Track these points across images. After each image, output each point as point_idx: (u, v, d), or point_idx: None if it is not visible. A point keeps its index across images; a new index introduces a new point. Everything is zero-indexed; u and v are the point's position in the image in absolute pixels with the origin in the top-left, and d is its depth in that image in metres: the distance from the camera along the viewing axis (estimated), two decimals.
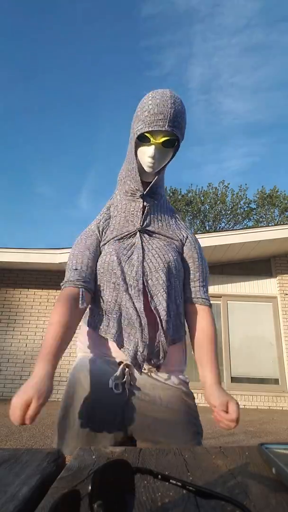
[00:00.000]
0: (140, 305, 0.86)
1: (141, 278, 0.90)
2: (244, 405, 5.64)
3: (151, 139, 0.87)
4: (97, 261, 0.96)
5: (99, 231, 0.99)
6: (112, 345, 0.88)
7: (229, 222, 20.09)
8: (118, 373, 0.84)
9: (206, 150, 35.72)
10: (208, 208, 19.79)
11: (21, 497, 0.34)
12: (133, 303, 0.87)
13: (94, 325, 0.93)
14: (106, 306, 0.91)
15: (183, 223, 1.09)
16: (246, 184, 21.46)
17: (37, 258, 5.92)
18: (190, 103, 33.42)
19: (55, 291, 6.41)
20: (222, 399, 0.80)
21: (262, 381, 5.87)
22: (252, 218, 20.03)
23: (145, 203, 1.00)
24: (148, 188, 0.98)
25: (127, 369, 0.85)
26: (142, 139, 0.89)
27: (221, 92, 33.90)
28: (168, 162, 0.96)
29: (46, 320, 6.23)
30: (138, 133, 0.87)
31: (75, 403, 0.87)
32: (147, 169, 0.93)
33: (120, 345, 0.85)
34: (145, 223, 0.99)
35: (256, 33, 29.94)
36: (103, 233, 0.99)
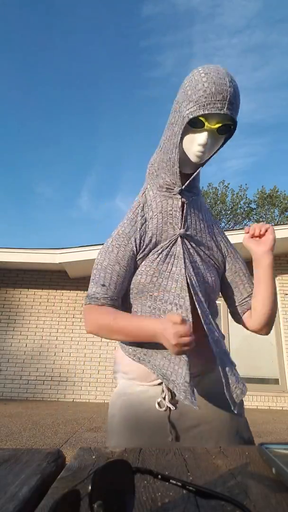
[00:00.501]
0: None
1: (187, 295, 0.77)
2: (244, 405, 5.64)
3: (206, 123, 0.73)
4: (130, 277, 0.84)
5: (135, 241, 0.84)
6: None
7: (229, 222, 20.11)
8: (161, 394, 0.78)
9: None
10: (208, 208, 19.76)
11: (21, 497, 0.34)
12: None
13: (131, 352, 0.84)
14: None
15: (220, 227, 0.98)
16: (246, 184, 21.50)
17: (37, 258, 5.92)
18: None
19: (55, 291, 6.41)
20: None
21: (262, 381, 5.87)
22: (252, 218, 20.04)
23: (183, 200, 0.85)
24: (188, 182, 0.84)
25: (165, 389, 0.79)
26: (192, 124, 0.74)
27: None
28: (216, 152, 0.82)
29: (46, 320, 6.23)
30: (191, 116, 0.72)
31: (123, 433, 0.80)
32: (194, 159, 0.79)
33: (161, 377, 0.77)
34: (186, 225, 0.85)
35: (256, 34, 29.96)
36: (141, 241, 0.84)
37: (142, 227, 0.85)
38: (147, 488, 0.37)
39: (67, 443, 2.81)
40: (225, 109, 0.71)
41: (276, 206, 19.49)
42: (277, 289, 6.42)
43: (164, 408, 0.78)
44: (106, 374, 5.93)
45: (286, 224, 6.18)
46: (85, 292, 6.42)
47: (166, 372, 0.76)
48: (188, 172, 0.85)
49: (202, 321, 0.77)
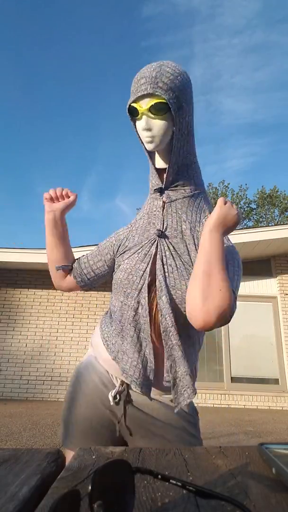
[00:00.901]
0: (146, 327, 0.78)
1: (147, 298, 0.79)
2: (244, 405, 5.64)
3: (138, 108, 0.76)
4: (104, 266, 0.96)
5: (120, 238, 0.92)
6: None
7: None
8: (117, 388, 0.81)
9: (206, 151, 35.75)
10: (207, 209, 19.75)
11: (21, 497, 0.34)
12: (141, 325, 0.79)
13: (103, 335, 0.89)
14: (115, 326, 0.86)
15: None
16: (246, 184, 21.50)
17: (37, 258, 5.92)
18: None
19: (55, 291, 6.41)
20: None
21: (262, 381, 5.87)
22: (252, 218, 20.05)
23: (164, 199, 0.85)
24: (165, 180, 0.84)
25: (124, 387, 0.82)
26: (133, 114, 0.78)
27: (221, 93, 33.94)
28: (175, 134, 0.78)
29: (46, 320, 6.24)
30: (127, 107, 0.78)
31: (79, 400, 0.87)
32: (148, 146, 0.80)
33: (121, 368, 0.80)
34: (164, 225, 0.84)
35: (257, 34, 29.97)
36: (125, 239, 0.90)
37: (131, 227, 0.92)
38: (147, 488, 0.37)
39: None
40: (148, 89, 0.73)
41: (276, 206, 19.50)
42: (277, 289, 6.42)
43: (115, 400, 0.80)
44: None
45: (286, 224, 6.18)
46: (85, 292, 6.42)
47: (124, 367, 0.79)
48: (166, 166, 0.84)
49: (161, 327, 0.77)
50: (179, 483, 0.33)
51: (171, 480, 0.33)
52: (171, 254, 0.81)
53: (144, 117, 0.76)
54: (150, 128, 0.77)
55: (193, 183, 0.86)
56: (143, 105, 0.75)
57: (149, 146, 0.80)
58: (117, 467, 0.31)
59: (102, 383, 0.85)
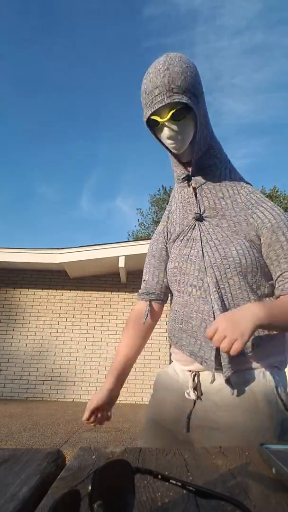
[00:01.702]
0: (207, 307, 0.77)
1: (206, 276, 0.79)
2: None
3: (159, 119, 0.75)
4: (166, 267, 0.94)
5: (164, 232, 0.96)
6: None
7: None
8: (190, 383, 0.80)
9: None
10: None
11: (21, 497, 0.34)
12: (198, 306, 0.79)
13: (168, 333, 0.91)
14: (175, 315, 0.87)
15: (259, 196, 0.85)
16: None
17: (37, 258, 5.92)
18: None
19: (55, 291, 6.41)
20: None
21: None
22: None
23: (194, 185, 0.86)
24: (192, 168, 0.85)
25: (195, 377, 0.80)
26: (153, 125, 0.78)
27: (222, 93, 33.95)
28: (198, 129, 0.79)
29: (46, 320, 6.24)
30: (145, 120, 0.78)
31: (151, 402, 0.91)
32: (174, 151, 0.82)
33: (189, 354, 0.80)
34: (202, 208, 0.84)
35: (257, 35, 29.97)
36: (168, 233, 0.94)
37: (169, 220, 0.95)
38: (147, 488, 0.37)
39: (67, 443, 2.81)
40: (165, 100, 0.72)
41: None
42: None
43: (193, 397, 0.79)
44: (106, 374, 5.93)
45: None
46: (85, 292, 6.43)
47: (193, 349, 0.79)
48: (191, 158, 0.85)
49: (219, 304, 0.76)
50: (179, 483, 0.33)
51: (171, 480, 0.33)
52: (215, 231, 0.82)
53: (165, 127, 0.76)
54: (175, 135, 0.77)
55: (217, 160, 0.86)
56: (164, 115, 0.75)
57: (176, 151, 0.82)
58: (117, 467, 0.31)
59: (175, 380, 0.86)
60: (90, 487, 0.27)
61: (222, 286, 0.78)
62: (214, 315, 0.76)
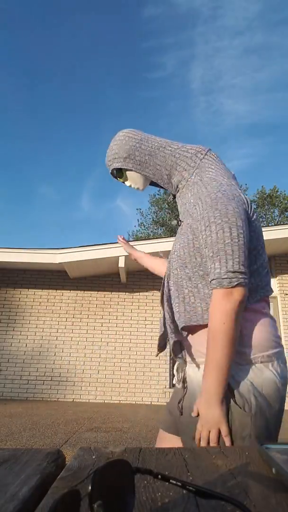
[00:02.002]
0: (163, 299, 0.96)
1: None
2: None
3: (118, 180, 1.12)
4: None
5: None
6: None
7: None
8: (176, 375, 0.94)
9: None
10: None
11: (21, 497, 0.34)
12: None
13: None
14: None
15: (202, 188, 0.90)
16: (246, 184, 21.47)
17: (37, 258, 5.92)
18: (191, 104, 33.53)
19: (55, 291, 6.41)
20: (200, 418, 0.76)
21: None
22: None
23: (170, 198, 1.11)
24: (173, 188, 1.06)
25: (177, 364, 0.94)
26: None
27: (222, 93, 33.96)
28: (141, 172, 1.04)
29: (46, 320, 6.24)
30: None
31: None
32: (139, 191, 1.13)
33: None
34: (180, 216, 1.03)
35: (257, 35, 29.97)
36: None
37: None
38: (147, 488, 0.37)
39: (67, 443, 2.81)
40: (109, 171, 1.11)
41: (276, 206, 19.49)
42: (277, 289, 6.42)
43: (179, 387, 0.92)
44: (106, 374, 5.93)
45: (286, 224, 6.18)
46: (85, 292, 6.43)
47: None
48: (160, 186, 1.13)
49: (166, 295, 0.95)
50: (179, 483, 0.33)
51: (171, 480, 0.33)
52: (180, 231, 0.95)
53: (123, 182, 1.11)
54: (130, 185, 1.10)
55: (184, 173, 0.99)
56: (117, 178, 1.10)
57: (140, 191, 1.13)
58: (117, 467, 0.31)
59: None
60: (90, 487, 0.27)
61: (170, 277, 0.93)
62: (163, 307, 0.94)
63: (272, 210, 19.58)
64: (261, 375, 0.76)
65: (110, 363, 6.00)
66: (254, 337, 0.79)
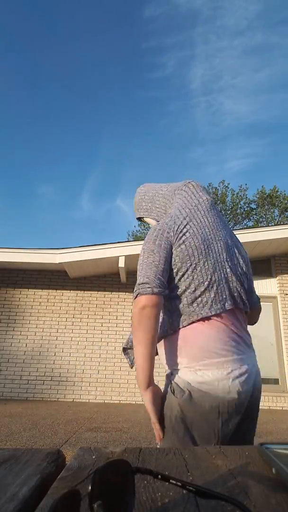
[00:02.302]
0: None
1: None
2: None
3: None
4: None
5: None
6: None
7: (229, 222, 20.10)
8: None
9: (207, 151, 35.81)
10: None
11: (21, 497, 0.34)
12: None
13: None
14: None
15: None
16: (246, 184, 21.48)
17: (37, 258, 5.92)
18: (192, 104, 33.55)
19: (55, 291, 6.41)
20: None
21: (262, 381, 5.86)
22: (252, 218, 20.04)
23: None
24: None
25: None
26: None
27: (222, 93, 33.95)
28: (152, 216, 1.27)
29: (46, 320, 6.24)
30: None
31: None
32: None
33: None
34: None
35: (257, 35, 29.96)
36: None
37: None
38: (147, 488, 0.37)
39: (67, 443, 2.81)
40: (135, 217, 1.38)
41: (276, 206, 19.49)
42: (277, 289, 6.42)
43: None
44: (106, 374, 5.93)
45: (286, 224, 6.18)
46: (85, 292, 6.43)
47: None
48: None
49: None
50: (179, 483, 0.33)
51: (171, 480, 0.33)
52: None
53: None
54: (150, 225, 1.30)
55: (168, 210, 1.21)
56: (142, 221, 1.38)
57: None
58: (117, 467, 0.31)
59: None
60: (90, 487, 0.27)
61: None
62: None
63: (272, 210, 19.57)
64: (193, 377, 0.89)
65: (110, 363, 6.00)
66: (190, 350, 0.93)
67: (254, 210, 20.03)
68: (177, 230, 1.00)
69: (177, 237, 0.99)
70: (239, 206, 19.74)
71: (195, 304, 0.95)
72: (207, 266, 0.97)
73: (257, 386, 0.95)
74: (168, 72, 33.69)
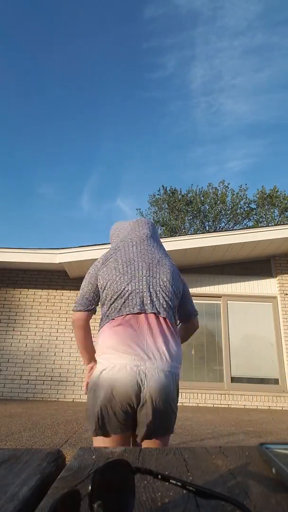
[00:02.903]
0: None
1: None
2: (244, 405, 5.64)
3: None
4: None
5: None
6: None
7: (229, 222, 20.09)
8: None
9: (207, 151, 35.79)
10: (208, 208, 19.79)
11: (21, 497, 0.34)
12: None
13: None
14: None
15: None
16: (246, 184, 21.45)
17: (37, 258, 5.92)
18: (192, 104, 33.55)
19: (55, 291, 6.41)
20: None
21: (262, 381, 5.86)
22: (252, 218, 20.03)
23: None
24: None
25: None
26: None
27: (222, 94, 33.91)
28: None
29: (46, 320, 6.24)
30: None
31: None
32: None
33: None
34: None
35: (257, 36, 29.91)
36: None
37: None
38: (147, 488, 0.37)
39: (67, 443, 2.81)
40: None
41: (276, 206, 19.48)
42: (277, 289, 6.42)
43: None
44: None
45: (286, 224, 6.18)
46: None
47: None
48: None
49: None
50: (179, 483, 0.33)
51: (171, 480, 0.33)
52: None
53: None
54: None
55: None
56: None
57: None
58: (117, 467, 0.31)
59: None
60: (90, 487, 0.27)
61: None
62: None
63: (272, 210, 19.57)
64: (98, 366, 1.20)
65: None
66: (98, 344, 1.25)
67: (254, 210, 20.02)
68: (104, 259, 1.36)
69: (102, 263, 1.34)
70: (239, 206, 19.73)
71: (111, 309, 1.24)
72: (122, 280, 1.25)
73: (151, 381, 1.10)
74: (168, 72, 33.62)
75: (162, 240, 6.08)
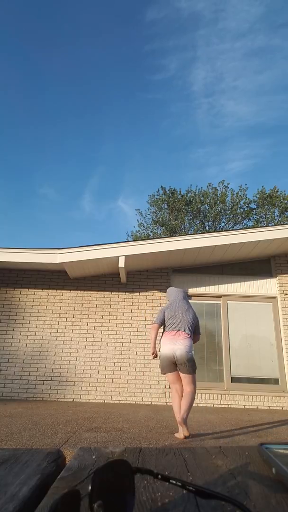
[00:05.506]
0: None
1: None
2: (244, 405, 5.64)
3: None
4: None
5: None
6: None
7: (229, 222, 20.10)
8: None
9: (208, 152, 35.78)
10: (208, 208, 19.80)
11: (21, 497, 0.34)
12: None
13: None
14: None
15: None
16: (246, 184, 21.44)
17: (37, 258, 5.92)
18: (193, 106, 33.59)
19: (55, 291, 6.41)
20: None
21: (262, 381, 5.87)
22: (252, 218, 20.04)
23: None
24: None
25: None
26: None
27: (224, 95, 33.91)
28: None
29: (46, 320, 6.24)
30: None
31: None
32: None
33: None
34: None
35: (259, 38, 29.89)
36: None
37: None
38: (147, 488, 0.37)
39: (67, 443, 2.81)
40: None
41: (276, 206, 19.49)
42: (277, 289, 6.42)
43: None
44: (106, 374, 5.93)
45: (286, 224, 6.18)
46: (85, 292, 6.43)
47: None
48: None
49: None
50: (179, 483, 0.33)
51: (171, 480, 0.33)
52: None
53: None
54: None
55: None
56: None
57: None
58: (117, 467, 0.31)
59: None
60: (90, 487, 0.27)
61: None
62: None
63: (272, 210, 19.58)
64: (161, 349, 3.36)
65: (110, 363, 6.00)
66: (161, 341, 3.40)
67: (254, 210, 20.03)
68: (166, 307, 3.49)
69: (166, 307, 3.48)
70: (239, 206, 19.74)
71: (167, 327, 3.37)
72: (171, 315, 3.38)
73: (177, 353, 3.19)
74: (170, 74, 33.57)
75: (162, 240, 6.10)
